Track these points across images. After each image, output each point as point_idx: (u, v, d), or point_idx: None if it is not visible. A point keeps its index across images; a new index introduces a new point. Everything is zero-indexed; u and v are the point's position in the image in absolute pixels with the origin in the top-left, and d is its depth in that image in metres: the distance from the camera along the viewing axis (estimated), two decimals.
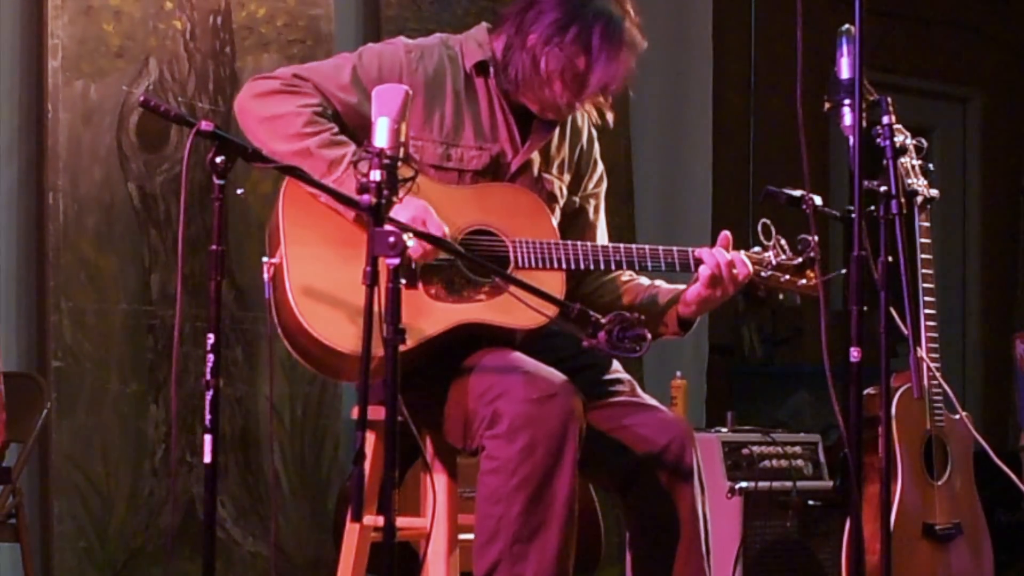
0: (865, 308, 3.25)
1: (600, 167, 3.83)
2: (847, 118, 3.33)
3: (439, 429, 3.48)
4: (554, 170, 3.69)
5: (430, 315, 3.41)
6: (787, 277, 3.68)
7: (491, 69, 3.61)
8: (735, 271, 3.57)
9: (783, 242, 3.69)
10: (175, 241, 5.21)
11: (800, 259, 3.68)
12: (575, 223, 3.75)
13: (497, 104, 3.62)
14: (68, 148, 5.10)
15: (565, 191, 3.72)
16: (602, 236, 3.82)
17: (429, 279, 3.44)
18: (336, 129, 3.47)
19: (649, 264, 3.58)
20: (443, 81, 3.59)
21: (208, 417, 3.09)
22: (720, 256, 3.57)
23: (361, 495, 3.09)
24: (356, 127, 3.45)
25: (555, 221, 3.61)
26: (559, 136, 3.70)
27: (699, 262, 3.57)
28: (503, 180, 3.60)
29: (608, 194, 3.87)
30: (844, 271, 3.31)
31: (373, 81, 3.44)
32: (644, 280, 3.76)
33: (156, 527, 5.18)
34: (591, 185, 3.81)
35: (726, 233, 3.64)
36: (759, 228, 3.67)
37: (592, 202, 3.81)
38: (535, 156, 3.64)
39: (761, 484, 5.15)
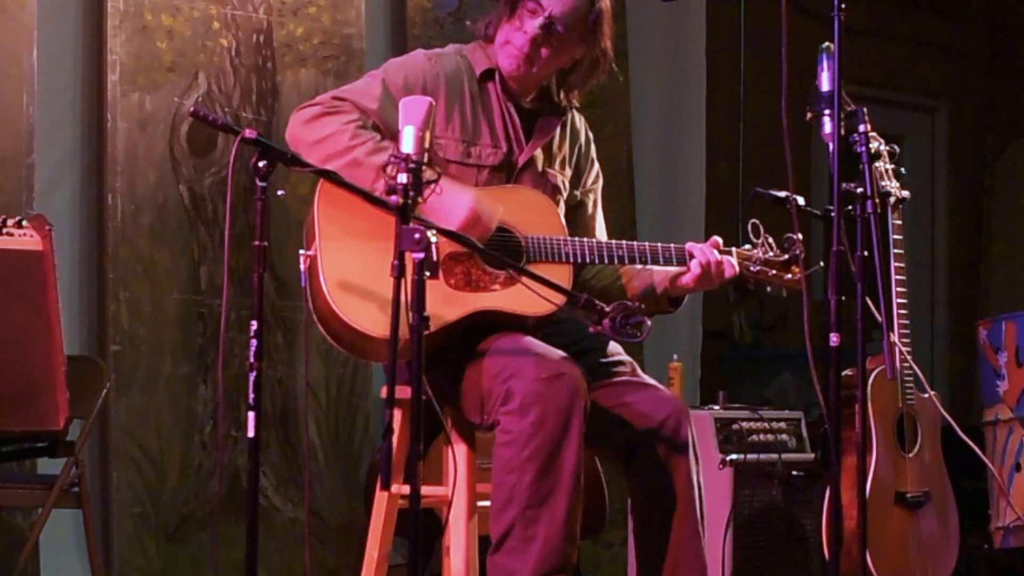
0: (843, 298, 3.25)
1: (596, 166, 3.85)
2: (827, 126, 3.33)
3: (458, 406, 3.48)
4: (556, 166, 3.70)
5: (450, 303, 3.41)
6: (774, 272, 3.68)
7: (496, 75, 3.62)
8: (722, 269, 3.57)
9: (771, 240, 3.69)
10: (222, 237, 5.21)
11: (786, 256, 3.67)
12: (577, 216, 3.77)
13: (505, 107, 3.64)
14: (125, 154, 5.09)
15: (567, 184, 3.73)
16: (600, 227, 3.85)
17: (450, 270, 3.44)
18: (379, 137, 3.47)
19: (649, 259, 3.58)
20: (461, 85, 3.61)
21: (251, 396, 3.09)
22: (711, 255, 3.56)
23: (389, 466, 3.09)
24: (391, 135, 3.45)
25: (563, 218, 3.61)
26: (559, 136, 3.73)
27: (691, 256, 3.57)
28: (513, 175, 3.61)
29: (611, 194, 3.87)
30: (823, 265, 3.30)
31: (400, 90, 3.47)
32: (637, 264, 3.75)
33: (204, 495, 5.18)
34: (589, 181, 3.82)
35: (716, 239, 3.64)
36: (749, 227, 3.67)
37: (591, 197, 3.83)
38: (539, 153, 3.66)
39: (750, 456, 5.14)
